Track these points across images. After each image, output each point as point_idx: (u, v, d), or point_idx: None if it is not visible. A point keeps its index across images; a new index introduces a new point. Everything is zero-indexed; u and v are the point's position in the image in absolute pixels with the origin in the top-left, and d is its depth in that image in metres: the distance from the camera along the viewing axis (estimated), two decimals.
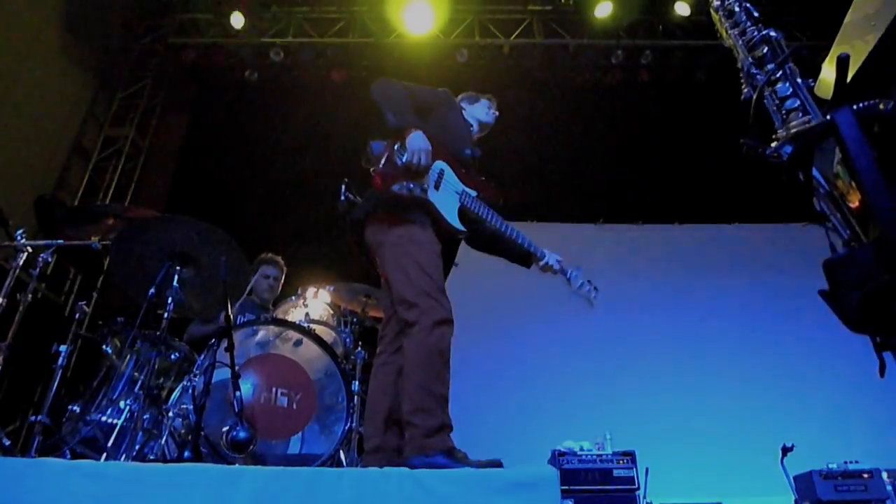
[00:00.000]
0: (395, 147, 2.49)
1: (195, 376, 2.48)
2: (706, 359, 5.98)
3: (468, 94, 3.13)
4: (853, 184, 0.87)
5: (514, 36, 7.28)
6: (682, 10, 6.73)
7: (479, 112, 3.05)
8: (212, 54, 7.27)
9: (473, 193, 2.67)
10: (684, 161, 7.25)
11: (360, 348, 3.65)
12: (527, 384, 5.62)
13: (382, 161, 2.47)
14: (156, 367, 2.34)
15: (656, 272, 6.62)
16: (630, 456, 4.26)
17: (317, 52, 7.27)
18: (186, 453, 1.99)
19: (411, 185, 2.43)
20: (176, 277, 2.57)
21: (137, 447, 2.39)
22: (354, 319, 3.77)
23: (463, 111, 3.01)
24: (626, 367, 5.87)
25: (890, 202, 0.79)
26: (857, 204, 0.87)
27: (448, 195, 2.59)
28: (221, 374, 2.40)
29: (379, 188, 2.44)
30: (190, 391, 2.44)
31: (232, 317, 2.36)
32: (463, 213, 2.61)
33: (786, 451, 4.27)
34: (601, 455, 4.24)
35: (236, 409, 2.17)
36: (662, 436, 5.25)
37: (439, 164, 2.59)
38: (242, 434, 2.10)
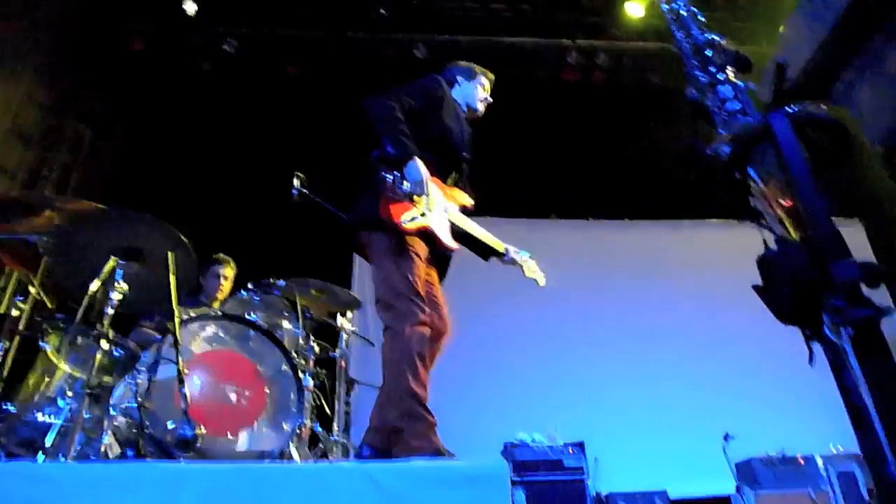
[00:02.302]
0: (395, 177, 2.60)
1: (139, 373, 2.41)
2: (651, 351, 6.16)
3: (467, 65, 3.14)
4: (786, 183, 0.91)
5: (471, 33, 7.30)
6: (634, 10, 6.87)
7: (470, 95, 3.07)
8: (162, 42, 7.02)
9: (454, 207, 2.84)
10: (636, 159, 7.43)
11: (311, 343, 3.61)
12: (480, 378, 5.67)
13: (389, 191, 2.59)
14: (97, 364, 2.26)
15: (605, 267, 6.78)
16: (579, 446, 4.37)
17: (272, 44, 7.13)
18: (129, 452, 1.94)
19: (416, 217, 2.58)
20: (120, 273, 2.49)
21: (78, 447, 2.31)
22: (307, 314, 3.73)
23: (457, 86, 3.04)
24: (577, 360, 5.99)
25: (819, 202, 0.83)
26: (789, 203, 0.91)
27: (439, 216, 2.72)
28: (167, 370, 2.34)
29: (383, 216, 2.54)
30: (134, 389, 2.37)
31: (178, 313, 2.30)
32: (451, 229, 2.77)
33: (727, 438, 4.44)
34: (552, 446, 4.32)
35: (182, 407, 2.12)
36: (611, 426, 5.38)
37: (430, 185, 2.68)
38: (188, 431, 2.05)
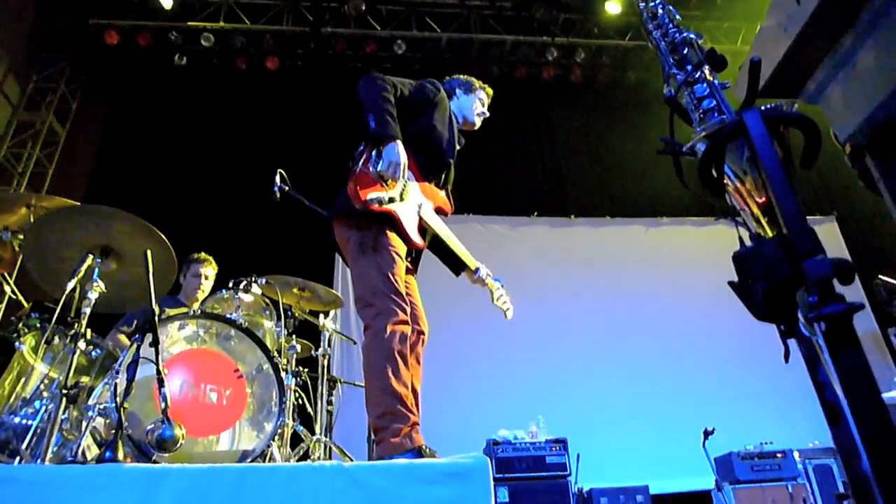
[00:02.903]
0: (373, 154, 2.50)
1: (118, 373, 2.37)
2: (632, 348, 6.22)
3: (467, 79, 3.09)
4: (760, 181, 0.92)
5: (451, 30, 7.30)
6: (613, 8, 6.92)
7: (468, 108, 3.03)
8: (138, 37, 6.92)
9: (430, 205, 2.73)
10: (616, 156, 7.49)
11: (293, 342, 3.59)
12: (461, 376, 5.68)
13: (359, 166, 2.50)
14: (74, 364, 2.22)
15: (586, 264, 6.83)
16: (562, 443, 4.41)
17: (250, 39, 7.06)
18: (108, 454, 1.91)
19: (383, 196, 2.46)
20: (97, 271, 2.45)
21: (55, 449, 2.27)
22: (288, 313, 3.71)
23: (455, 98, 3.00)
24: (559, 357, 6.03)
25: (792, 199, 0.84)
26: (763, 200, 0.92)
27: (410, 208, 2.62)
28: (146, 370, 2.31)
29: (350, 193, 2.46)
30: (112, 389, 2.33)
31: (157, 312, 2.27)
32: (420, 226, 2.65)
33: (707, 434, 4.50)
34: (534, 443, 4.35)
35: (162, 407, 2.09)
36: (593, 423, 5.43)
37: (407, 173, 2.60)
38: (168, 432, 2.02)
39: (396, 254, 2.47)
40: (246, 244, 5.79)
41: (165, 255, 2.59)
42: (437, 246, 2.86)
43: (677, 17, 1.50)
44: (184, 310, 3.68)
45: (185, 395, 2.57)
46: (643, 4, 1.57)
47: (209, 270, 4.06)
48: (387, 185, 2.50)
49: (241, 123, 6.96)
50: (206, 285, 4.02)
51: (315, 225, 3.06)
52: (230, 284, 3.37)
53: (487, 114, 3.11)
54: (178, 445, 2.09)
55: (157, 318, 2.20)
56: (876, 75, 1.26)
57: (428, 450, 2.11)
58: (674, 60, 1.38)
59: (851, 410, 0.73)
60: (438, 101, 2.83)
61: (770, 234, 0.92)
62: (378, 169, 2.45)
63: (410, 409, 2.21)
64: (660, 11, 1.51)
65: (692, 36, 1.38)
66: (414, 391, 2.37)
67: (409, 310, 2.41)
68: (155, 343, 2.17)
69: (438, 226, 2.76)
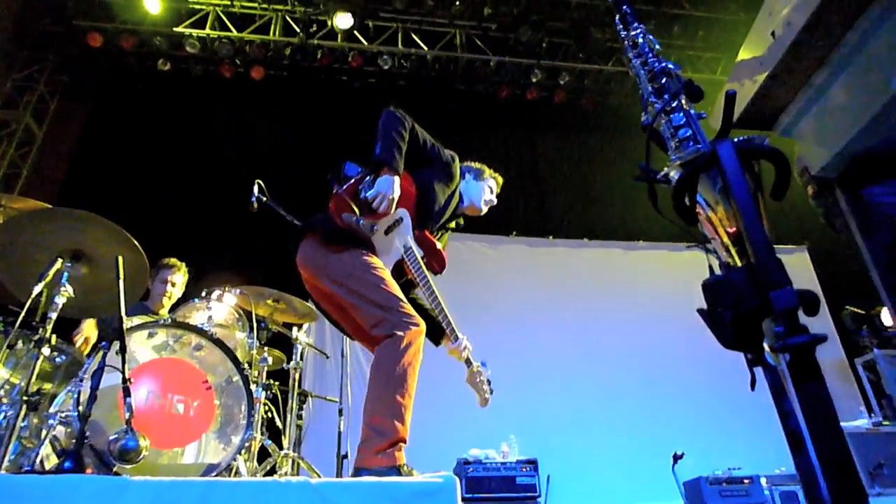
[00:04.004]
0: (366, 179, 2.44)
1: (82, 381, 2.32)
2: (606, 371, 6.24)
3: (478, 166, 3.03)
4: (731, 211, 0.94)
5: (437, 47, 7.36)
6: (597, 34, 7.06)
7: (476, 193, 2.95)
8: (121, 40, 6.86)
9: (419, 254, 2.59)
10: (596, 179, 7.58)
11: (265, 354, 3.55)
12: (433, 394, 5.63)
13: (346, 185, 2.43)
14: (37, 370, 2.17)
15: (561, 286, 6.86)
16: (533, 464, 4.39)
17: (236, 48, 7.04)
18: (67, 464, 1.85)
19: (361, 221, 2.38)
20: (66, 275, 2.41)
21: (12, 457, 2.21)
22: (262, 324, 3.67)
23: (462, 181, 2.92)
24: (531, 378, 6.02)
25: (760, 230, 0.86)
26: (734, 230, 0.94)
27: (392, 245, 2.53)
28: (112, 379, 2.26)
29: (333, 210, 2.40)
30: (75, 397, 2.28)
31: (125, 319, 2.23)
32: (398, 268, 2.55)
33: (676, 458, 4.53)
34: (505, 463, 4.33)
35: (126, 417, 2.04)
36: (564, 445, 5.42)
37: (400, 212, 2.55)
38: (131, 443, 1.97)
39: (384, 269, 2.42)
40: (222, 253, 5.73)
41: (138, 261, 2.55)
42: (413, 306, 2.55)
43: (657, 46, 1.53)
44: (152, 317, 3.63)
45: (151, 405, 2.52)
46: (625, 33, 1.60)
47: (178, 277, 4.00)
48: (373, 214, 2.43)
49: (223, 131, 6.91)
50: (174, 292, 3.96)
51: (292, 236, 3.03)
52: (203, 294, 3.33)
53: (495, 201, 3.05)
54: (142, 457, 2.05)
55: (125, 326, 2.16)
56: (847, 111, 1.30)
57: (406, 468, 2.09)
58: (652, 89, 1.41)
59: (812, 440, 0.75)
60: (452, 169, 2.77)
61: (739, 263, 0.94)
62: (367, 195, 2.39)
63: (403, 424, 2.17)
64: (640, 40, 1.54)
65: (671, 66, 1.41)
66: None
67: (420, 319, 2.34)
68: (122, 351, 2.13)
69: (422, 279, 2.56)
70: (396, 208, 2.49)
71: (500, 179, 3.09)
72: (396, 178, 2.42)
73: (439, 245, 2.70)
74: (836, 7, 1.14)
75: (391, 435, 2.13)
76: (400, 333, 2.25)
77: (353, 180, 2.48)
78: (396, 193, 2.41)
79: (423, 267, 2.58)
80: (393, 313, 2.29)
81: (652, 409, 6.00)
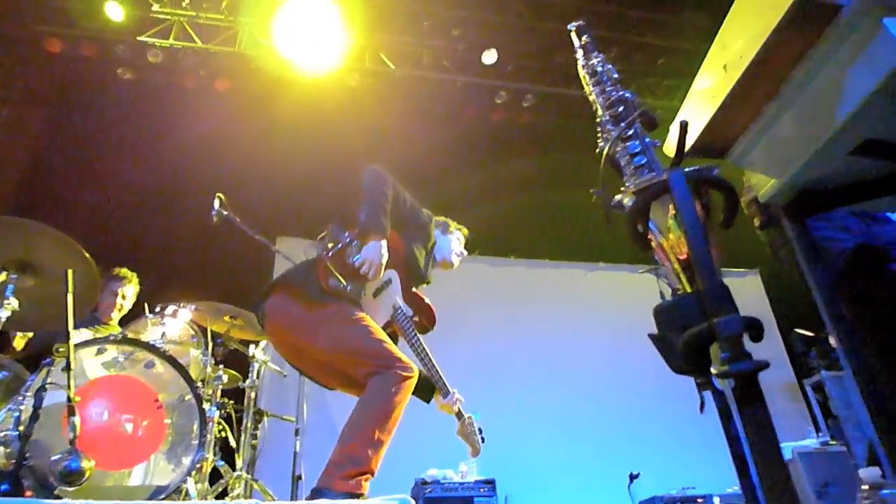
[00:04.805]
0: (354, 244, 2.45)
1: (24, 399, 2.22)
2: (562, 391, 6.27)
3: (443, 219, 3.03)
4: (682, 238, 0.96)
5: (405, 67, 7.40)
6: (560, 58, 7.21)
7: (446, 248, 2.96)
8: (82, 47, 6.69)
9: (409, 313, 2.61)
10: (558, 200, 7.68)
11: (220, 371, 3.47)
12: None
13: (333, 251, 2.44)
14: None
15: (521, 306, 6.90)
16: (491, 484, 4.38)
17: (200, 59, 6.95)
18: (4, 486, 1.77)
19: (349, 288, 2.37)
20: (11, 287, 2.32)
21: None
22: (218, 340, 3.59)
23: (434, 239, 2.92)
24: (488, 397, 6.00)
25: (708, 257, 0.88)
26: (684, 256, 0.96)
27: (383, 306, 2.54)
28: (57, 396, 2.18)
29: (321, 274, 2.38)
30: (16, 416, 2.18)
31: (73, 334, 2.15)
32: (386, 328, 2.54)
33: (633, 477, 4.58)
34: (463, 483, 4.31)
35: (70, 437, 1.97)
36: (522, 464, 5.42)
37: (389, 273, 2.56)
38: (74, 464, 1.90)
39: (367, 316, 2.41)
40: (178, 267, 5.60)
41: (89, 274, 2.48)
42: None
43: (615, 75, 1.58)
44: (101, 329, 3.51)
45: (98, 424, 2.43)
46: (584, 61, 1.64)
47: (128, 289, 3.88)
48: (362, 278, 2.42)
49: (184, 142, 6.78)
50: (125, 304, 3.85)
51: (252, 251, 2.99)
52: (157, 309, 3.25)
53: (465, 253, 3.08)
54: (86, 478, 1.97)
55: (72, 341, 2.09)
56: (794, 143, 1.36)
57: (366, 498, 2.09)
58: (609, 116, 1.44)
59: (754, 464, 0.77)
60: (429, 230, 2.80)
61: (689, 289, 0.96)
62: (354, 260, 2.39)
63: (376, 459, 2.18)
64: (599, 69, 1.58)
65: (627, 95, 1.45)
66: None
67: (412, 364, 2.35)
68: (67, 367, 2.05)
69: (413, 340, 2.60)
70: (385, 269, 2.48)
71: (466, 231, 3.12)
72: (384, 243, 2.43)
73: (427, 300, 2.72)
74: (785, 44, 1.19)
75: (363, 465, 2.13)
76: (396, 373, 2.27)
77: (339, 245, 2.49)
78: (384, 258, 2.42)
79: (414, 327, 2.60)
80: (387, 360, 2.30)
81: (609, 429, 6.06)
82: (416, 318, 2.64)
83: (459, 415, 2.75)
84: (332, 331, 2.35)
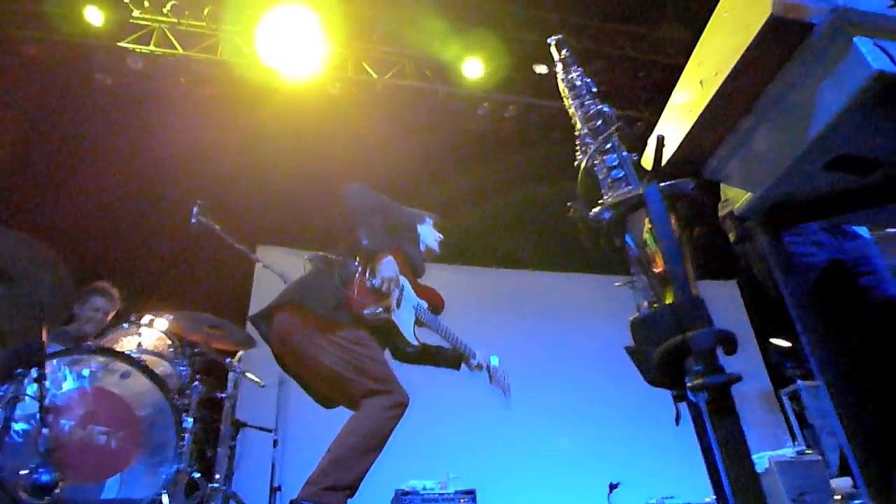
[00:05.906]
0: (367, 272, 2.56)
1: None
2: (542, 401, 6.26)
3: (417, 211, 3.17)
4: (657, 252, 0.98)
5: (387, 76, 7.42)
6: (541, 69, 7.28)
7: (427, 236, 3.12)
8: (58, 51, 6.60)
9: (425, 305, 2.83)
10: (540, 210, 7.72)
11: (196, 382, 3.42)
12: None
13: (355, 286, 2.52)
14: None
15: (499, 315, 6.91)
16: (471, 494, 4.37)
17: (181, 66, 6.89)
18: None
19: (379, 310, 2.50)
20: None
21: None
22: (195, 350, 3.54)
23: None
24: (468, 407, 6.00)
25: (682, 271, 0.89)
26: (660, 269, 0.98)
27: (407, 311, 2.70)
28: (28, 407, 2.14)
29: (352, 301, 2.48)
30: None
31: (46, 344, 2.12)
32: (418, 325, 2.76)
33: (612, 487, 4.59)
34: (443, 494, 4.30)
35: (41, 449, 1.93)
36: (502, 474, 5.41)
37: (401, 280, 2.65)
38: (45, 477, 1.86)
39: (376, 346, 2.52)
40: (155, 276, 5.53)
41: (63, 283, 2.43)
42: (431, 353, 2.94)
43: (594, 89, 1.60)
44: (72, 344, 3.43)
45: (71, 436, 2.39)
46: (564, 74, 1.66)
47: (105, 303, 3.69)
48: (385, 297, 2.54)
49: (164, 149, 6.71)
50: (104, 319, 3.71)
51: (232, 260, 2.96)
52: (133, 318, 3.20)
53: (442, 237, 3.22)
54: (56, 492, 1.93)
55: (44, 352, 2.05)
56: (769, 158, 1.38)
57: None
58: (588, 129, 1.46)
59: (726, 476, 0.77)
60: (414, 226, 3.01)
61: (665, 302, 0.97)
62: (374, 284, 2.50)
63: (361, 478, 2.22)
64: (578, 83, 1.60)
65: (605, 109, 1.47)
66: None
67: (406, 393, 2.44)
68: (40, 379, 2.02)
69: (436, 325, 2.85)
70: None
71: (434, 215, 3.26)
72: (391, 258, 2.55)
73: (430, 291, 2.94)
74: (758, 61, 1.21)
75: (347, 482, 2.16)
76: (389, 400, 2.35)
77: (356, 277, 2.55)
78: (396, 270, 2.56)
79: (433, 315, 2.87)
80: (388, 384, 2.39)
81: (589, 438, 6.07)
82: (430, 307, 2.87)
83: (487, 368, 3.10)
84: (346, 350, 2.43)
